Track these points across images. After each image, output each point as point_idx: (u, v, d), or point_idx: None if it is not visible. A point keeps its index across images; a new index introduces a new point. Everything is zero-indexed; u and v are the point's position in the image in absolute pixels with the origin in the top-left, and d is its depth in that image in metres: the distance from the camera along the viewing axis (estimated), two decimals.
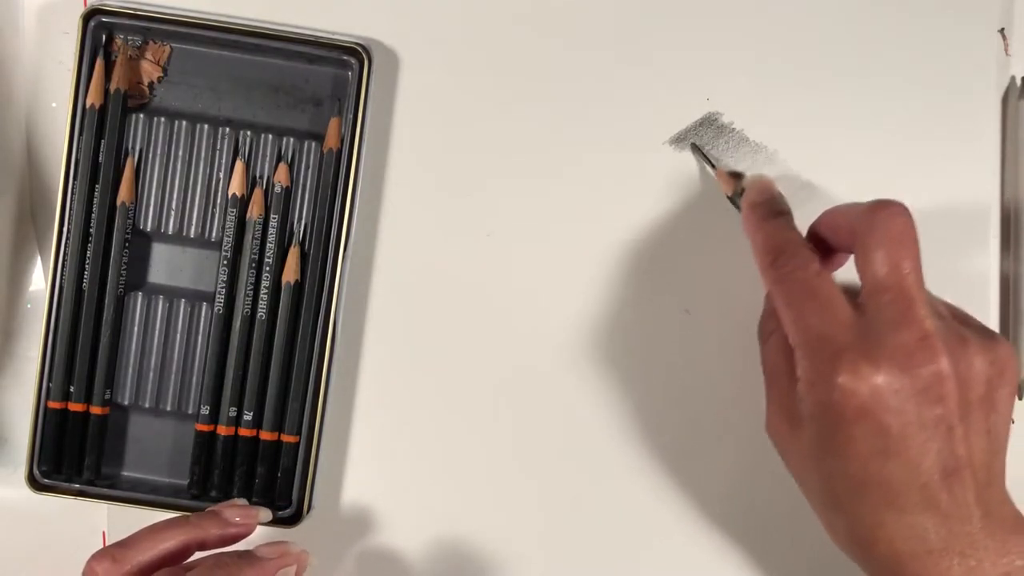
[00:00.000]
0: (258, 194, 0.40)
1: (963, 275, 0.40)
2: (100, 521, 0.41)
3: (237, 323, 0.40)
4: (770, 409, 0.35)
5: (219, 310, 0.40)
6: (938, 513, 0.31)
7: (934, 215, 0.40)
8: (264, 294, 0.39)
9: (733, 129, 0.40)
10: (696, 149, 0.40)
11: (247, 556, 0.34)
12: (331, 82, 0.40)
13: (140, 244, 0.40)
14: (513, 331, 0.41)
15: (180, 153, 0.40)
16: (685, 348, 0.41)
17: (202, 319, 0.40)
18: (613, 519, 0.41)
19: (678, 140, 0.41)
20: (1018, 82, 0.41)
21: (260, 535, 0.37)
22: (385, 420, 0.41)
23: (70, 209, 0.39)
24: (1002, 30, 0.41)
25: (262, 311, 0.40)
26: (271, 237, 0.40)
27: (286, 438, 0.40)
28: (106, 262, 0.39)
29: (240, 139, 0.40)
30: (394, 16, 0.40)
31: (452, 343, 0.41)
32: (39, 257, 0.41)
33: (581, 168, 0.41)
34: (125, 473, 0.41)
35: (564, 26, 0.41)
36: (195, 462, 0.40)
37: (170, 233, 0.40)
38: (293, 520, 0.39)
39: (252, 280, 0.39)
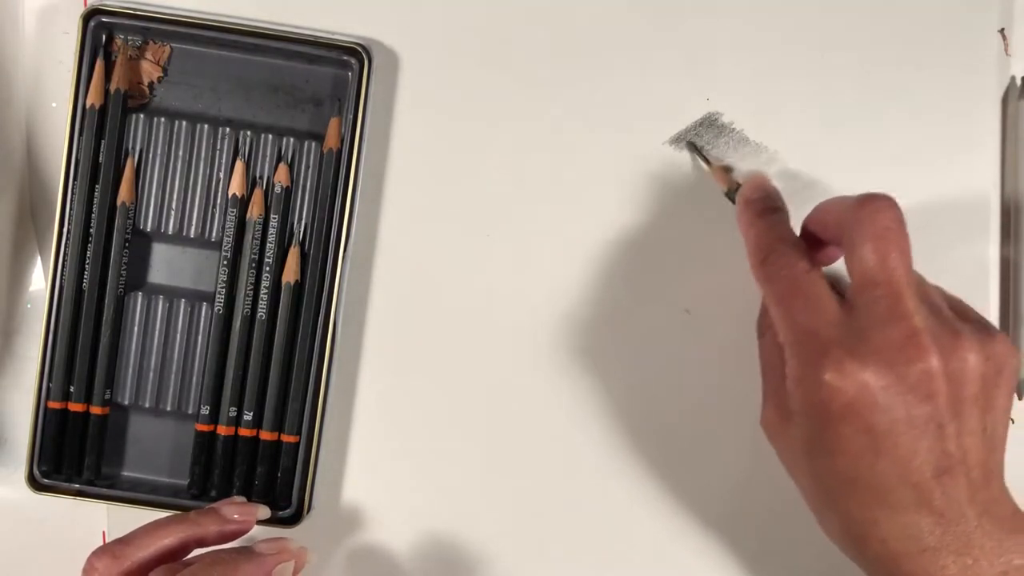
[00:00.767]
0: (258, 194, 0.40)
1: (963, 273, 0.40)
2: (100, 521, 0.41)
3: (237, 323, 0.40)
4: (765, 403, 0.35)
5: (219, 310, 0.40)
6: (931, 512, 0.30)
7: (934, 214, 0.40)
8: (264, 294, 0.39)
9: (733, 129, 0.40)
10: (692, 147, 0.40)
11: (245, 552, 0.34)
12: (331, 82, 0.40)
13: (140, 244, 0.40)
14: (513, 331, 0.41)
15: (180, 153, 0.40)
16: (685, 348, 0.41)
17: (202, 319, 0.40)
18: (613, 520, 0.41)
19: (678, 140, 0.41)
20: (1018, 82, 0.41)
21: (260, 534, 0.37)
22: (385, 420, 0.41)
23: (70, 209, 0.39)
24: (1002, 30, 0.41)
25: (262, 311, 0.40)
26: (271, 237, 0.40)
27: (286, 438, 0.40)
28: (106, 262, 0.39)
29: (240, 139, 0.40)
30: (394, 16, 0.40)
31: (452, 343, 0.41)
32: (39, 257, 0.41)
33: (581, 168, 0.41)
34: (125, 473, 0.41)
35: (564, 26, 0.41)
36: (195, 462, 0.40)
37: (170, 233, 0.40)
38: (293, 520, 0.39)
39: (252, 280, 0.39)
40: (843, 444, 0.31)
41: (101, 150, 0.39)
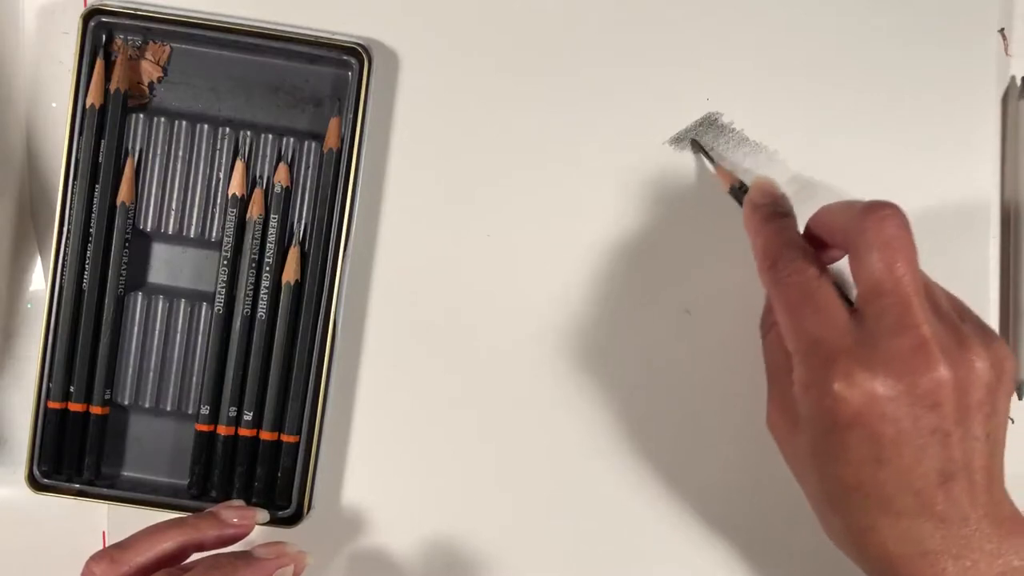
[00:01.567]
0: (258, 194, 0.40)
1: (963, 274, 0.40)
2: (100, 521, 0.41)
3: (237, 323, 0.40)
4: (771, 404, 0.35)
5: (219, 310, 0.40)
6: (934, 517, 0.30)
7: (934, 214, 0.40)
8: (264, 294, 0.39)
9: (733, 129, 0.40)
10: (696, 145, 0.40)
11: (244, 556, 0.34)
12: (331, 82, 0.40)
13: (140, 244, 0.40)
14: (513, 332, 0.41)
15: (180, 153, 0.40)
16: (685, 348, 0.41)
17: (202, 319, 0.40)
18: (613, 521, 0.41)
19: (678, 140, 0.41)
20: (1018, 82, 0.41)
21: (259, 535, 0.37)
22: (385, 420, 0.41)
23: (70, 209, 0.39)
24: (1002, 30, 0.41)
25: (262, 311, 0.40)
26: (271, 237, 0.40)
27: (286, 438, 0.40)
28: (106, 262, 0.39)
29: (240, 139, 0.40)
30: (394, 16, 0.40)
31: (452, 343, 0.41)
32: (39, 257, 0.41)
33: (581, 168, 0.41)
34: (125, 473, 0.41)
35: (564, 26, 0.41)
36: (195, 462, 0.40)
37: (170, 233, 0.40)
38: (293, 520, 0.39)
39: (252, 280, 0.39)
40: (848, 452, 0.31)
41: (101, 150, 0.39)
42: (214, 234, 0.40)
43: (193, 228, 0.40)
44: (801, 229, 0.36)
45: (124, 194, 0.39)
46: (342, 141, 0.39)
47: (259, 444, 0.40)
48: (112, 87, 0.39)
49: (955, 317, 0.32)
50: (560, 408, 0.41)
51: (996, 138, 0.41)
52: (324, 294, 0.39)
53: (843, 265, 0.34)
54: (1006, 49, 0.41)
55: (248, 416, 0.40)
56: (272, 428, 0.40)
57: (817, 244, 0.35)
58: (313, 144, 0.40)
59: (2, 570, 0.41)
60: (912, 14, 0.40)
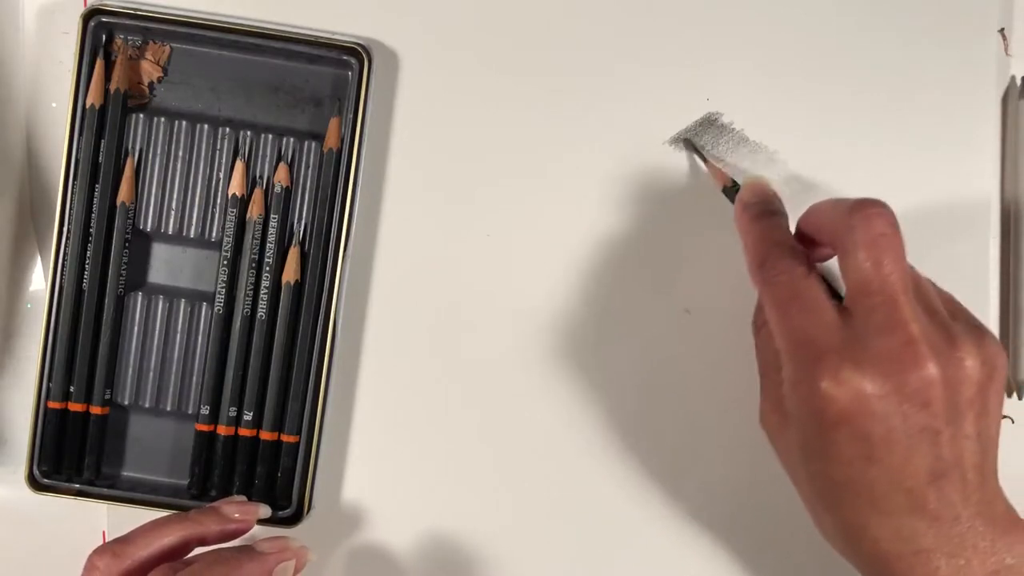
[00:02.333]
0: (258, 194, 0.40)
1: (963, 274, 0.40)
2: (100, 521, 0.41)
3: (237, 323, 0.40)
4: (763, 402, 0.35)
5: (219, 310, 0.40)
6: (925, 515, 0.30)
7: (934, 215, 0.40)
8: (264, 294, 0.39)
9: (733, 129, 0.40)
10: (689, 145, 0.40)
11: (246, 551, 0.34)
12: (331, 82, 0.40)
13: (140, 244, 0.40)
14: (513, 331, 0.41)
15: (180, 153, 0.40)
16: (685, 348, 0.41)
17: (202, 319, 0.40)
18: (613, 520, 0.41)
19: (678, 140, 0.41)
20: (1018, 82, 0.41)
21: (260, 534, 0.37)
22: (385, 420, 0.41)
23: (70, 209, 0.39)
24: (1002, 30, 0.41)
25: (262, 311, 0.40)
26: (271, 237, 0.40)
27: (286, 438, 0.40)
28: (106, 262, 0.39)
29: (240, 139, 0.40)
30: (394, 16, 0.40)
31: (452, 343, 0.41)
32: (39, 257, 0.41)
33: (581, 168, 0.41)
34: (125, 473, 0.41)
35: (564, 26, 0.41)
36: (195, 462, 0.40)
37: (170, 233, 0.40)
38: (293, 520, 0.39)
39: (252, 280, 0.39)
40: (837, 450, 0.31)
41: (101, 150, 0.39)
42: (214, 234, 0.40)
43: (193, 228, 0.40)
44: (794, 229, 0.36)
45: (124, 194, 0.39)
46: (342, 141, 0.39)
47: (259, 444, 0.40)
48: (112, 87, 0.39)
49: (945, 315, 0.32)
50: (560, 408, 0.41)
51: (996, 138, 0.41)
52: (324, 294, 0.39)
53: (833, 263, 0.34)
54: (1006, 49, 0.41)
55: (248, 416, 0.40)
56: (272, 428, 0.40)
57: (808, 243, 0.35)
58: (313, 144, 0.40)
59: (2, 570, 0.41)
60: (912, 14, 0.40)
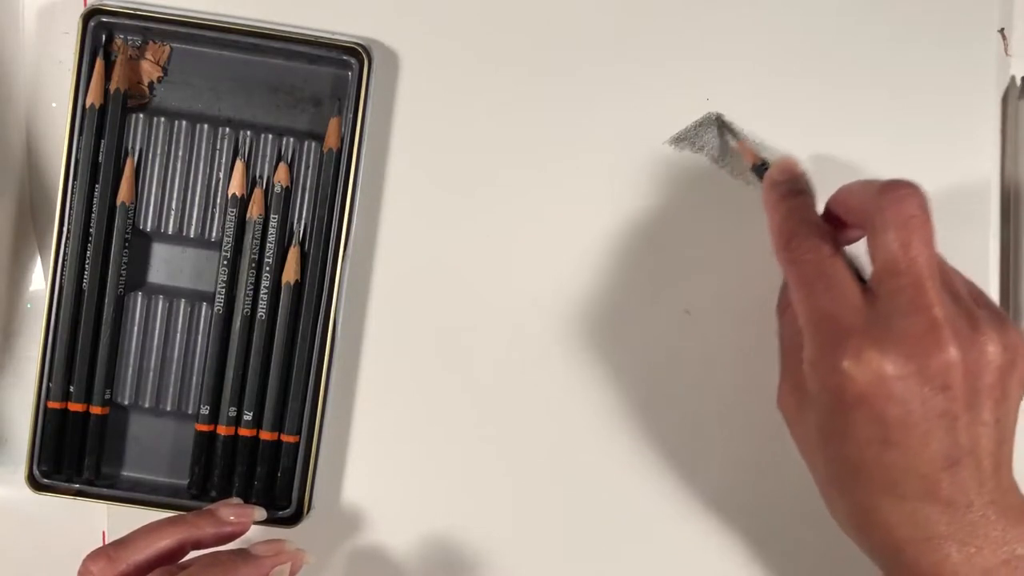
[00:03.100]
0: (258, 194, 0.40)
1: (962, 272, 0.40)
2: (100, 521, 0.41)
3: (237, 323, 0.40)
4: (782, 382, 0.35)
5: (219, 310, 0.40)
6: (939, 501, 0.30)
7: (935, 214, 0.40)
8: (264, 294, 0.39)
9: (733, 128, 0.40)
10: (721, 122, 0.40)
11: (242, 554, 0.34)
12: (331, 82, 0.40)
13: (140, 244, 0.40)
14: (513, 331, 0.41)
15: (180, 153, 0.40)
16: (685, 348, 0.41)
17: (202, 319, 0.40)
18: (613, 519, 0.41)
19: (678, 140, 0.41)
20: (1018, 82, 0.41)
21: (259, 535, 0.37)
22: (385, 420, 0.41)
23: (70, 209, 0.39)
24: (1002, 30, 0.41)
25: (262, 311, 0.40)
26: (271, 237, 0.40)
27: (286, 438, 0.40)
28: (106, 262, 0.39)
29: (240, 139, 0.40)
30: (394, 16, 0.40)
31: (452, 343, 0.41)
32: (39, 257, 0.41)
33: (581, 168, 0.41)
34: (125, 473, 0.41)
35: (564, 26, 0.41)
36: (195, 462, 0.40)
37: (170, 233, 0.40)
38: (293, 520, 0.39)
39: (252, 280, 0.39)
40: (854, 431, 0.31)
41: (101, 150, 0.39)
42: (214, 234, 0.40)
43: (193, 228, 0.40)
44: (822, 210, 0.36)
45: (124, 194, 0.39)
46: (342, 141, 0.39)
47: (259, 444, 0.40)
48: (112, 87, 0.39)
49: (970, 301, 0.32)
50: (559, 407, 0.41)
51: (996, 138, 0.41)
52: (324, 294, 0.39)
53: (858, 248, 0.34)
54: (1006, 49, 0.41)
55: (248, 416, 0.40)
56: (272, 428, 0.40)
57: (836, 223, 0.34)
58: (313, 144, 0.40)
59: (2, 570, 0.41)
60: (912, 14, 0.40)
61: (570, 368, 0.41)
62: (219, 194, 0.40)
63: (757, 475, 0.40)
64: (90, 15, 0.39)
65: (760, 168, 0.38)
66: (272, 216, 0.40)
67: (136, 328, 0.40)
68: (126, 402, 0.40)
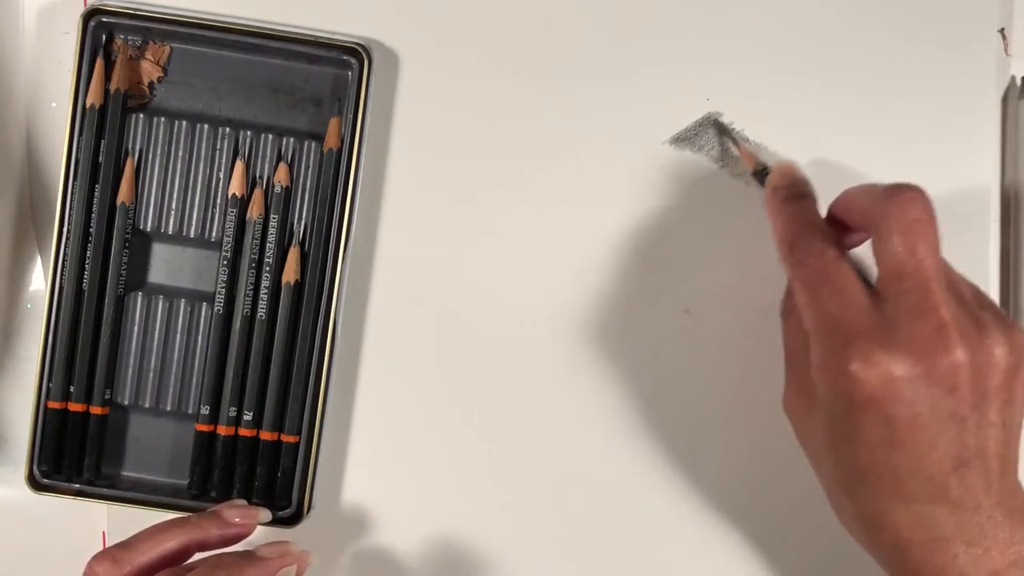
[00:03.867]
0: (258, 194, 0.40)
1: (962, 274, 0.40)
2: (100, 521, 0.41)
3: (237, 323, 0.40)
4: (788, 387, 0.35)
5: (219, 310, 0.40)
6: (947, 503, 0.30)
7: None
8: (264, 294, 0.39)
9: (733, 129, 0.40)
10: (720, 127, 0.40)
11: (248, 556, 0.34)
12: (331, 82, 0.40)
13: (140, 244, 0.40)
14: (513, 331, 0.41)
15: (180, 153, 0.40)
16: (685, 348, 0.41)
17: (202, 319, 0.40)
18: (612, 519, 0.41)
19: (678, 140, 0.41)
20: (1018, 82, 0.41)
21: (260, 535, 0.37)
22: (385, 420, 0.41)
23: (70, 209, 0.39)
24: (1002, 30, 0.41)
25: (262, 311, 0.40)
26: (271, 237, 0.40)
27: (286, 438, 0.40)
28: (106, 262, 0.39)
29: (240, 139, 0.40)
30: (394, 16, 0.40)
31: (452, 343, 0.41)
32: (39, 257, 0.41)
33: (580, 168, 0.41)
34: (125, 473, 0.41)
35: (564, 26, 0.41)
36: (195, 462, 0.40)
37: (170, 233, 0.40)
38: (293, 520, 0.39)
39: (252, 280, 0.39)
40: (863, 434, 0.31)
41: (101, 150, 0.39)
42: (214, 234, 0.40)
43: (193, 228, 0.40)
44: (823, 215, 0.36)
45: (124, 194, 0.39)
46: (342, 141, 0.39)
47: (259, 444, 0.40)
48: (112, 87, 0.39)
49: (975, 304, 0.32)
50: (559, 407, 0.41)
51: (996, 138, 0.41)
52: (324, 294, 0.39)
53: (861, 251, 0.34)
54: (1006, 49, 0.41)
55: (248, 416, 0.40)
56: (272, 428, 0.40)
57: (839, 227, 0.35)
58: (313, 144, 0.40)
59: (2, 570, 0.41)
60: (912, 14, 0.40)
61: (570, 368, 0.41)
62: (219, 194, 0.40)
63: (757, 474, 0.40)
64: (90, 15, 0.39)
65: (761, 174, 0.38)
66: (272, 216, 0.40)
67: (136, 328, 0.40)
68: (126, 402, 0.40)
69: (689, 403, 0.41)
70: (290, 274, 0.40)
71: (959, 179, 0.41)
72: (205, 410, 0.40)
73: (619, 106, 0.41)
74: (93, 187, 0.39)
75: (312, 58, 0.40)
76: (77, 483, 0.40)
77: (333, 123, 0.39)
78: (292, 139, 0.40)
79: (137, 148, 0.40)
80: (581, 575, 0.41)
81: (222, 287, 0.40)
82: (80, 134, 0.39)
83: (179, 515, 0.37)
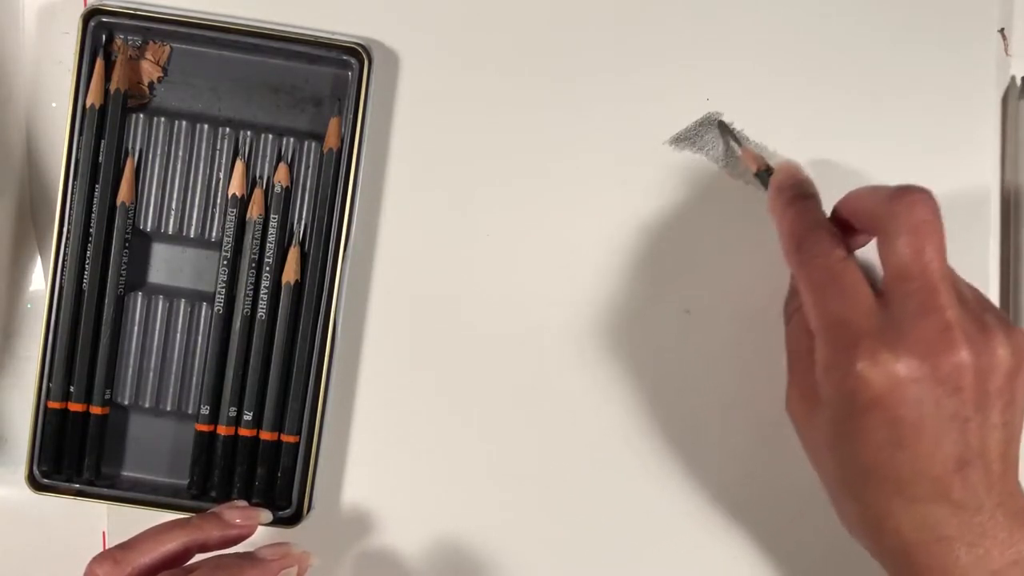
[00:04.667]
0: (258, 194, 0.40)
1: (962, 275, 0.40)
2: (100, 521, 0.41)
3: (237, 323, 0.40)
4: (790, 388, 0.35)
5: (219, 310, 0.40)
6: (949, 503, 0.31)
7: None
8: (264, 294, 0.39)
9: (733, 129, 0.40)
10: (723, 127, 0.40)
11: (248, 557, 0.34)
12: (331, 82, 0.40)
13: (140, 244, 0.40)
14: (513, 331, 0.41)
15: (180, 153, 0.40)
16: (685, 348, 0.41)
17: (202, 319, 0.40)
18: (613, 519, 0.41)
19: (678, 140, 0.41)
20: (1018, 82, 0.41)
21: (260, 535, 0.37)
22: (385, 420, 0.41)
23: (70, 209, 0.39)
24: (1002, 30, 0.41)
25: (262, 311, 0.40)
26: (271, 237, 0.40)
27: (286, 438, 0.40)
28: (106, 262, 0.39)
29: (240, 139, 0.40)
30: (394, 16, 0.40)
31: (452, 343, 0.41)
32: (39, 257, 0.41)
33: (581, 168, 0.41)
34: (125, 473, 0.41)
35: (564, 26, 0.41)
36: (195, 462, 0.40)
37: (170, 233, 0.40)
38: (293, 520, 0.39)
39: (252, 280, 0.39)
40: (867, 434, 0.31)
41: (101, 150, 0.39)
42: (214, 234, 0.40)
43: (193, 228, 0.40)
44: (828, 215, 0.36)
45: (124, 194, 0.39)
46: (342, 141, 0.39)
47: (259, 444, 0.40)
48: (112, 87, 0.39)
49: (977, 306, 0.32)
50: (559, 407, 0.41)
51: (996, 138, 0.41)
52: (324, 294, 0.39)
53: (866, 252, 0.34)
54: (1006, 49, 0.41)
55: (248, 416, 0.40)
56: (272, 428, 0.40)
57: (844, 228, 0.35)
58: (313, 144, 0.40)
59: (2, 570, 0.41)
60: (912, 14, 0.40)
61: (570, 368, 0.41)
62: (219, 194, 0.40)
63: (757, 474, 0.40)
64: (90, 15, 0.39)
65: (764, 174, 0.38)
66: (272, 216, 0.40)
67: (136, 328, 0.40)
68: (126, 402, 0.40)
69: (689, 403, 0.41)
70: (290, 274, 0.40)
71: (959, 179, 0.41)
72: (205, 410, 0.40)
73: (619, 106, 0.41)
74: (93, 187, 0.39)
75: (312, 58, 0.40)
76: (77, 483, 0.40)
77: (333, 123, 0.39)
78: (292, 139, 0.40)
79: (137, 148, 0.40)
80: (581, 575, 0.41)
81: (222, 287, 0.40)
82: (80, 134, 0.39)
83: (179, 515, 0.37)
